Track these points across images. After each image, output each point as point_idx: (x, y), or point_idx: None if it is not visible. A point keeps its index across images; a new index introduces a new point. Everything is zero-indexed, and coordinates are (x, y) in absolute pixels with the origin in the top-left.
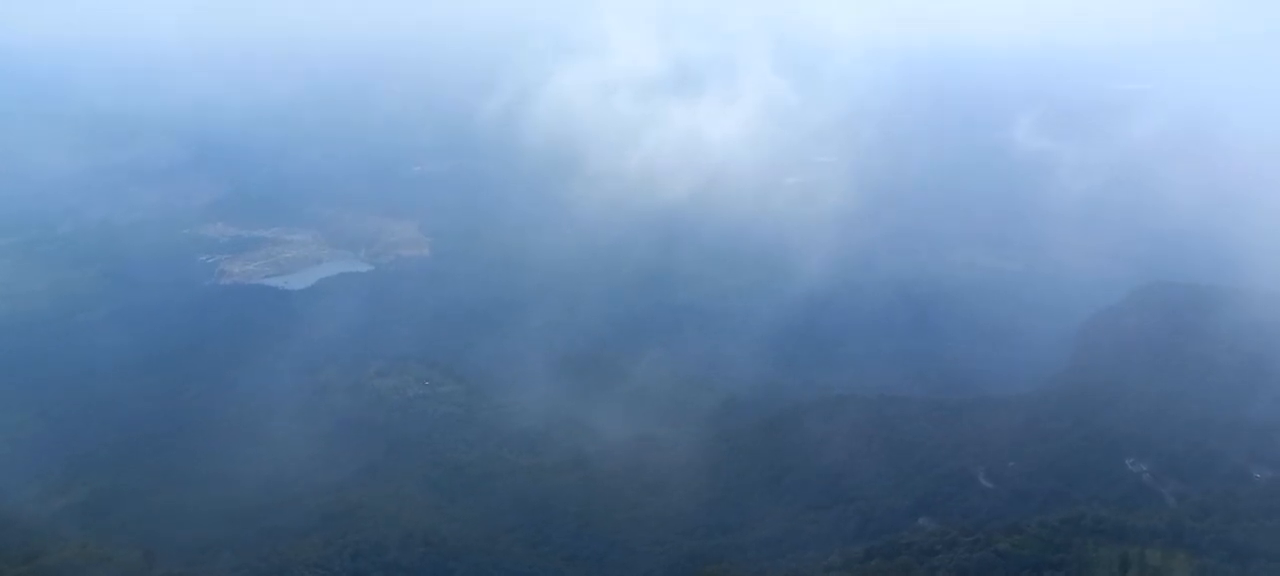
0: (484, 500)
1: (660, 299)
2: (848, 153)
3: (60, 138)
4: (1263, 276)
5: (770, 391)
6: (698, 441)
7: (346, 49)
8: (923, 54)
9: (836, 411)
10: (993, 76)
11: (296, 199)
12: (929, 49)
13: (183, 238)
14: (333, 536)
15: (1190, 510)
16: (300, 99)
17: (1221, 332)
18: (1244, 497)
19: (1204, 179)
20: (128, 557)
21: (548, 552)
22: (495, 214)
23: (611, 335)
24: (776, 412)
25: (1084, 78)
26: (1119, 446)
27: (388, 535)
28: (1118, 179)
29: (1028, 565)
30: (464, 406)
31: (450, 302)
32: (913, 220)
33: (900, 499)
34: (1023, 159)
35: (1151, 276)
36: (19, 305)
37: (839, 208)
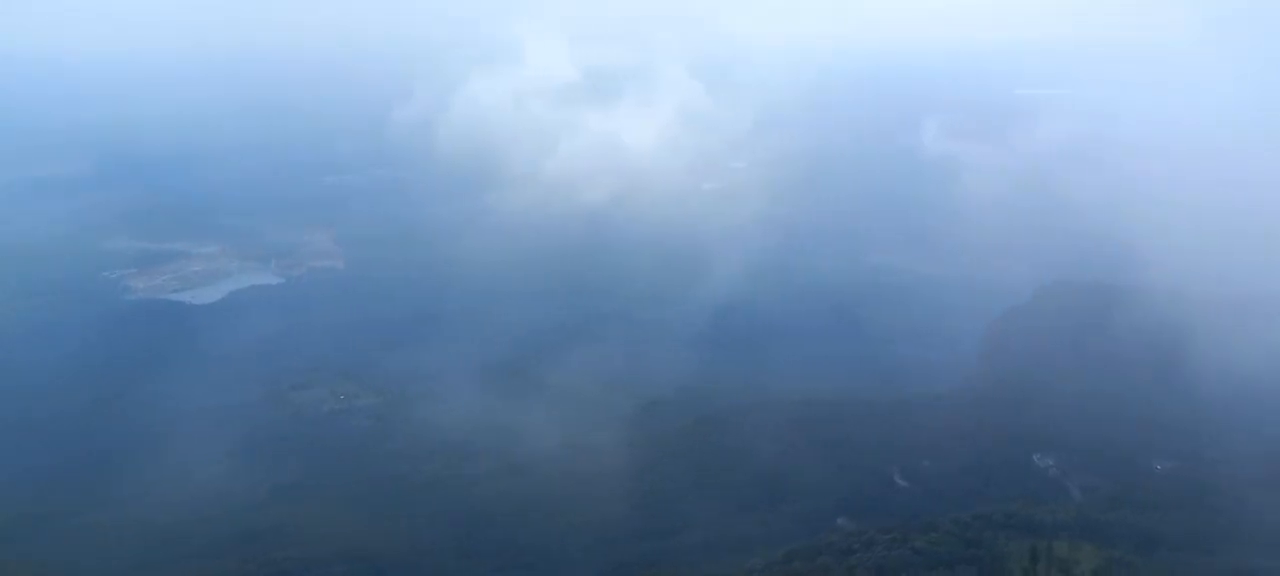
0: (409, 514)
1: (581, 305)
2: (764, 158)
3: None
4: (1162, 275)
5: (694, 395)
6: (624, 446)
7: (261, 59)
8: (836, 61)
9: (759, 414)
10: (904, 82)
11: (205, 211)
12: (842, 56)
13: (88, 253)
14: (254, 555)
15: (1096, 502)
16: (212, 109)
17: (1123, 330)
18: (1146, 489)
19: (1107, 181)
20: None
21: (477, 564)
22: (412, 223)
23: (533, 342)
24: (701, 416)
25: (991, 83)
26: (1027, 443)
27: (311, 552)
28: (1025, 181)
29: (943, 561)
30: (384, 419)
31: (367, 314)
32: (829, 224)
33: (821, 500)
34: (934, 162)
35: (1057, 276)
36: None
37: (756, 212)
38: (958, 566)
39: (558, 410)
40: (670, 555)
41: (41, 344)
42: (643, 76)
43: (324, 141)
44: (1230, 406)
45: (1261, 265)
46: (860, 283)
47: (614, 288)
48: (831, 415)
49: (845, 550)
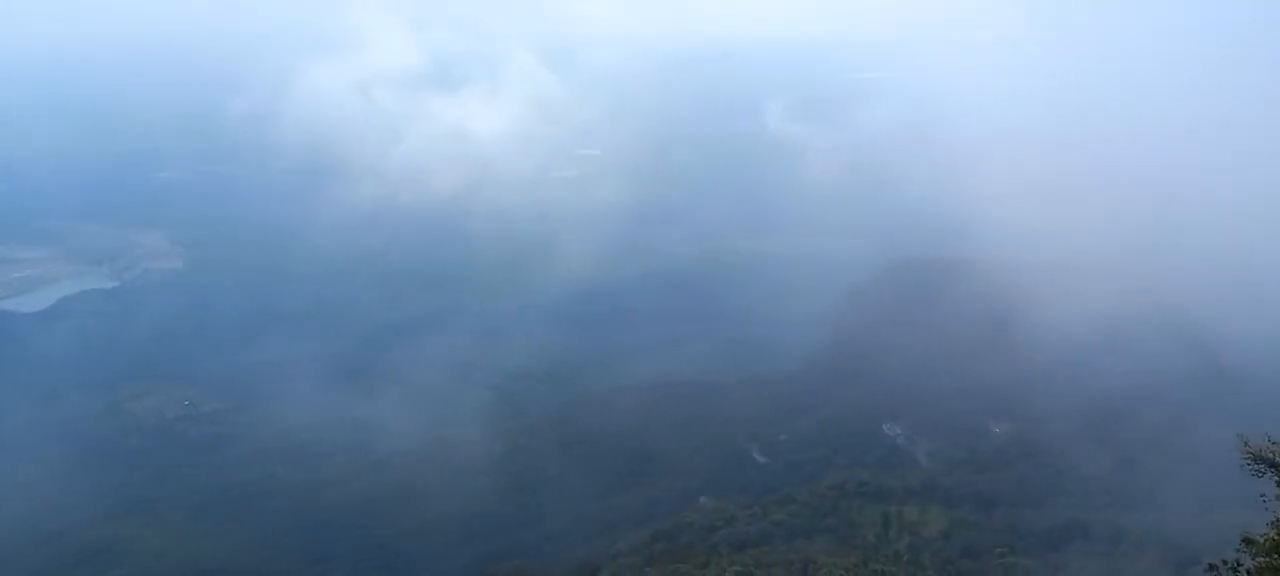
0: (258, 522)
1: (434, 297)
2: (615, 145)
3: None
4: (992, 247)
5: (552, 383)
6: (484, 437)
7: (82, 53)
8: (681, 49)
9: (618, 399)
10: (745, 69)
11: (28, 214)
12: (684, 44)
13: None
14: (93, 575)
15: (940, 466)
16: (31, 107)
17: (959, 302)
18: (985, 451)
19: (939, 160)
20: None
21: (333, 568)
22: (253, 219)
23: (385, 337)
24: (560, 403)
25: (829, 69)
26: (876, 414)
27: (153, 569)
28: (863, 162)
29: (801, 531)
30: (230, 424)
31: (208, 316)
32: (680, 208)
33: (683, 480)
34: (777, 144)
35: (897, 253)
36: None
37: (608, 199)
38: (815, 535)
39: (414, 403)
40: (536, 543)
41: None
42: (490, 63)
43: (152, 138)
44: (1056, 366)
45: (1079, 230)
46: (712, 265)
47: (466, 278)
48: (689, 396)
49: (708, 527)
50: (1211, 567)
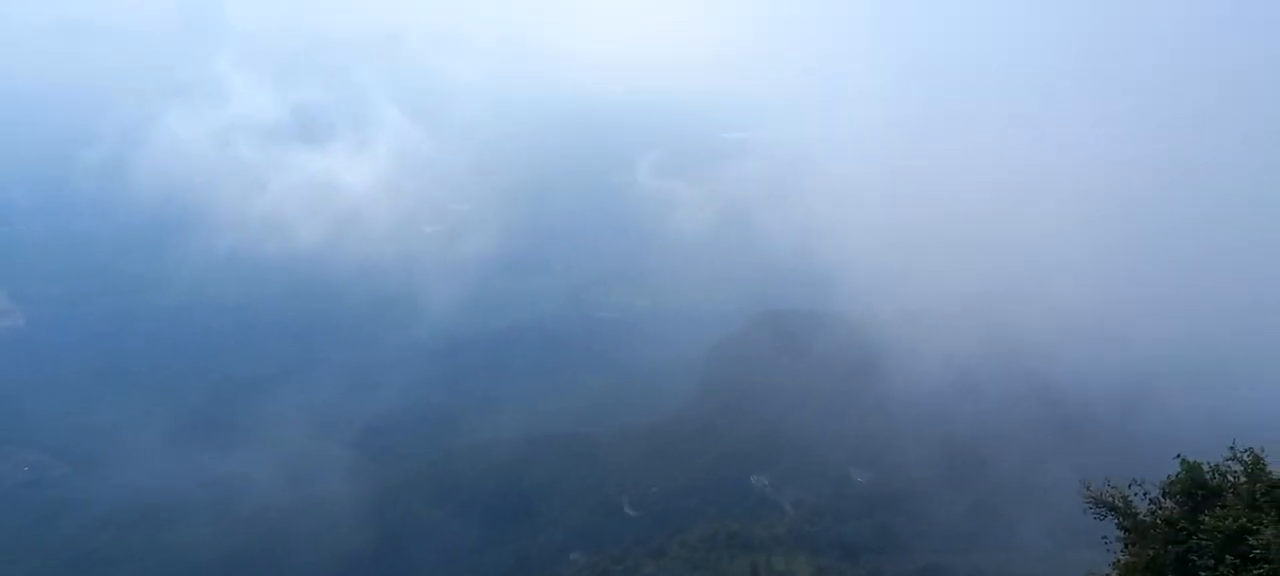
0: None
1: (296, 349)
2: (484, 198)
3: None
4: (853, 299)
5: (420, 437)
6: (349, 492)
7: None
8: (548, 104)
9: (487, 454)
10: (615, 123)
11: None
12: (554, 99)
13: None
14: None
15: (805, 515)
16: None
17: (823, 353)
18: (848, 498)
19: (803, 216)
20: None
21: None
22: (102, 274)
23: (244, 392)
24: (429, 458)
25: (697, 126)
26: (744, 463)
27: None
28: (731, 217)
29: None
30: (77, 488)
31: (51, 376)
32: (550, 262)
33: (555, 533)
34: (647, 199)
35: (763, 305)
36: None
37: (478, 253)
38: None
39: (276, 458)
40: None
41: None
42: (355, 117)
43: None
44: (915, 412)
45: (935, 278)
46: (582, 319)
47: (330, 331)
48: (560, 448)
49: None
50: None
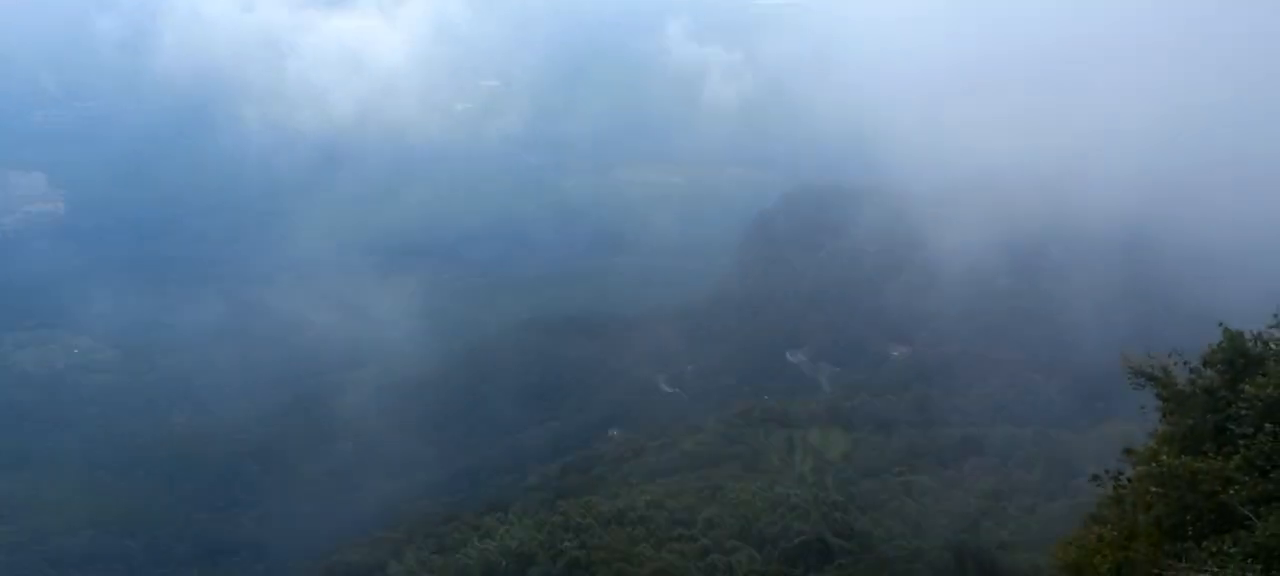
0: (159, 471)
1: (333, 226)
2: (515, 75)
3: None
4: (892, 174)
5: (457, 321)
6: (387, 381)
7: None
8: None
9: (524, 335)
10: None
11: None
12: None
13: None
14: None
15: (841, 391)
16: None
17: (859, 228)
18: (884, 374)
19: (841, 87)
20: None
21: (237, 515)
22: (139, 157)
23: (275, 274)
24: (463, 342)
25: None
26: (779, 341)
27: (51, 524)
28: (766, 88)
29: (708, 459)
30: (125, 373)
31: (95, 262)
32: (582, 139)
33: (592, 414)
34: (679, 69)
35: (800, 181)
36: None
37: (508, 132)
38: (723, 463)
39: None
40: (445, 481)
41: None
42: None
43: (20, 73)
44: (956, 286)
45: (974, 151)
46: (615, 197)
47: (355, 217)
48: (596, 330)
49: (618, 459)
50: (1094, 477)
